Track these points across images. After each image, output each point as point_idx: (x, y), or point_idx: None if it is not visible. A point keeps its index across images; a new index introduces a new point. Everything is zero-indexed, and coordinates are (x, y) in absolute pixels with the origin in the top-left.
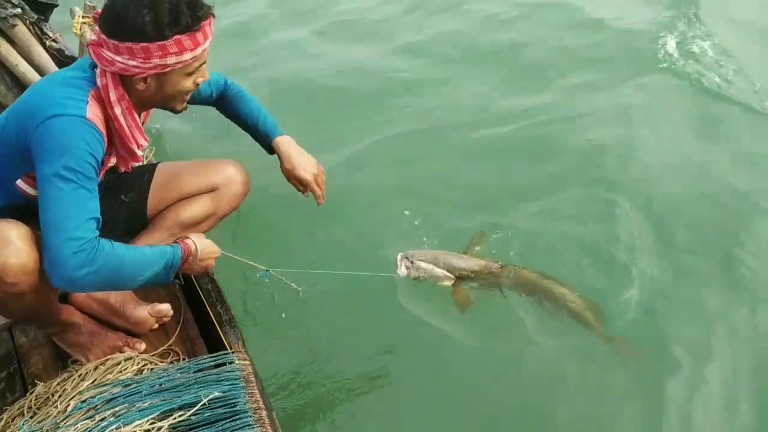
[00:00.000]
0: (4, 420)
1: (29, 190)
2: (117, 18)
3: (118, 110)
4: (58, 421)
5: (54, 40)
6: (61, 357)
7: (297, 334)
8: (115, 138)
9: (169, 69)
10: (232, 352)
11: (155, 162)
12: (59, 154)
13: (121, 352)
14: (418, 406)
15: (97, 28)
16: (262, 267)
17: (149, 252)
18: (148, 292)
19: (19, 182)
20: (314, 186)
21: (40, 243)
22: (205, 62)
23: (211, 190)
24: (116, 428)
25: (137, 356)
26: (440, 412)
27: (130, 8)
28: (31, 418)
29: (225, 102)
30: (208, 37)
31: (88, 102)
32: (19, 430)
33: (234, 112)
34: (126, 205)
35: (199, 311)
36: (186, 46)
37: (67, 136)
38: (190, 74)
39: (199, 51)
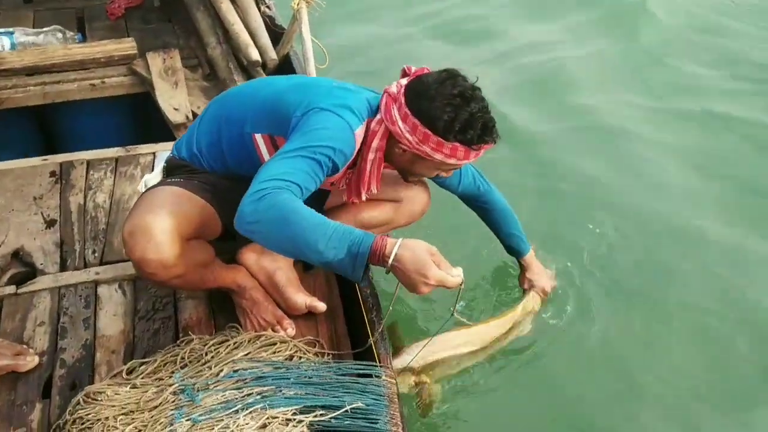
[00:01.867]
0: (157, 362)
1: (262, 147)
2: (424, 98)
3: (371, 156)
4: (209, 382)
5: (268, 7)
6: (214, 315)
7: None
8: (355, 170)
9: (430, 159)
10: (381, 366)
11: None
12: (314, 137)
13: (273, 329)
14: None
15: (402, 84)
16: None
17: (332, 225)
18: (308, 276)
19: (258, 136)
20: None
21: (187, 233)
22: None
23: (395, 200)
24: (261, 408)
25: (291, 341)
26: None
27: (438, 98)
28: (182, 368)
29: (477, 207)
30: (479, 156)
31: (362, 124)
32: (171, 378)
33: (487, 220)
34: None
35: (351, 312)
36: (458, 155)
37: (329, 130)
38: (440, 168)
39: (463, 163)
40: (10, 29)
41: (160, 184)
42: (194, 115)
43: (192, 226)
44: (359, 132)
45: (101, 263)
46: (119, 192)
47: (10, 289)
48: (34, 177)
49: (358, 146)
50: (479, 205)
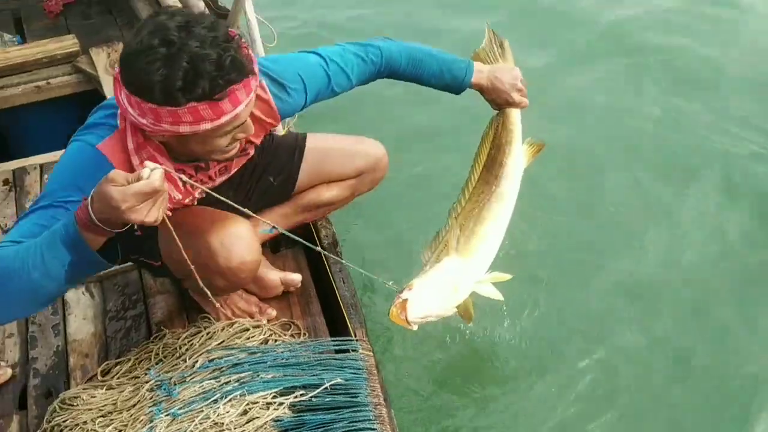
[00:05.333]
0: (132, 361)
1: None
2: (128, 64)
3: (135, 161)
4: (186, 375)
5: None
6: (186, 309)
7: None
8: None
9: (184, 135)
10: (356, 340)
11: (296, 131)
12: (47, 187)
13: (251, 316)
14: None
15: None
16: (270, 222)
17: (35, 243)
18: (277, 259)
19: None
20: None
21: None
22: (245, 121)
23: (357, 174)
24: (240, 395)
25: (264, 325)
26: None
27: (142, 58)
28: (157, 364)
29: (389, 75)
30: (241, 102)
31: (110, 132)
32: (147, 374)
33: (412, 77)
34: (274, 188)
35: (324, 289)
36: (204, 116)
37: (61, 166)
38: (222, 135)
39: (224, 120)
40: None
41: None
42: None
43: None
44: (110, 142)
45: None
46: None
47: None
48: None
49: (122, 153)
50: (389, 74)
